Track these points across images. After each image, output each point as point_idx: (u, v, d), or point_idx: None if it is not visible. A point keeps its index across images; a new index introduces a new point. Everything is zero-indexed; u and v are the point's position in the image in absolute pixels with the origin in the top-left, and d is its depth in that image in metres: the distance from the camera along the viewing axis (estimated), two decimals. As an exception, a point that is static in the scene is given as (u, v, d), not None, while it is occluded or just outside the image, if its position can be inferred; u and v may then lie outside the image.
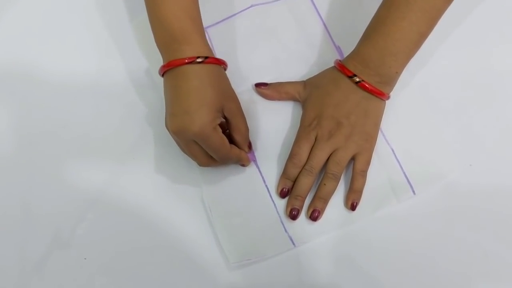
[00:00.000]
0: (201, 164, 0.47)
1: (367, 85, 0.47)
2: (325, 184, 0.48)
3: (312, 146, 0.48)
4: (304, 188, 0.48)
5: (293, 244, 0.48)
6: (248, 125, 0.49)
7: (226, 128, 0.48)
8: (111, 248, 0.49)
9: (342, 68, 0.48)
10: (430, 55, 0.53)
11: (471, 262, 0.48)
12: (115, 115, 0.51)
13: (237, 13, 0.54)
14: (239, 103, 0.48)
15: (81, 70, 0.53)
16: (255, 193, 0.49)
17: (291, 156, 0.49)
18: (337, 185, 0.48)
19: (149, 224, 0.49)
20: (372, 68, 0.47)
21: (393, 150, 0.51)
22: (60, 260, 0.48)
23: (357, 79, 0.47)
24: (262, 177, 0.50)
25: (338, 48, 0.54)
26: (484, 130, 0.51)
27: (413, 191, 0.50)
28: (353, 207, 0.48)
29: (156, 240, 0.49)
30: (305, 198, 0.48)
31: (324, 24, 0.55)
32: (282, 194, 0.49)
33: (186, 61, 0.44)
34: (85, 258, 0.48)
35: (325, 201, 0.48)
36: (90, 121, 0.51)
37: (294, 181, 0.49)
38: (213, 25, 0.55)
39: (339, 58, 0.52)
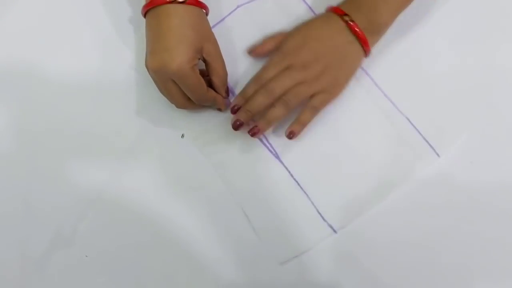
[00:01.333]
0: (177, 105, 0.48)
1: (356, 28, 0.47)
2: (275, 107, 0.47)
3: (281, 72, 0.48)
4: (256, 105, 0.47)
5: (334, 231, 0.48)
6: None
7: (206, 74, 0.48)
8: (112, 246, 0.48)
9: (334, 8, 0.49)
10: (432, 52, 0.52)
11: (473, 259, 0.47)
12: (116, 113, 0.51)
13: (226, 16, 0.54)
14: (218, 47, 0.48)
15: (82, 68, 0.52)
16: (286, 190, 0.49)
17: (256, 78, 0.48)
18: (286, 114, 0.47)
19: (150, 222, 0.49)
20: (364, 13, 0.47)
21: (408, 119, 0.50)
22: (61, 258, 0.48)
23: (348, 18, 0.48)
24: (290, 173, 0.50)
25: None
26: (486, 127, 0.50)
27: (437, 154, 0.49)
28: (291, 135, 0.48)
29: (157, 238, 0.49)
30: (253, 116, 0.47)
31: (312, 10, 0.54)
32: (233, 111, 0.48)
33: (168, 0, 0.45)
34: (86, 256, 0.48)
35: (269, 123, 0.47)
36: (91, 119, 0.51)
37: None
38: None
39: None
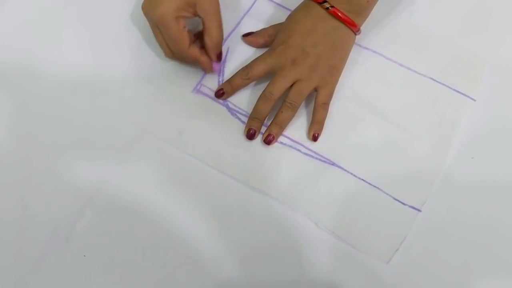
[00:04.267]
0: (165, 54, 0.49)
1: (338, 13, 0.47)
2: (282, 112, 0.48)
3: (272, 73, 0.48)
4: (262, 112, 0.48)
5: (418, 210, 0.48)
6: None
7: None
8: (110, 245, 0.47)
9: None
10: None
11: (474, 255, 0.47)
12: (113, 111, 0.51)
13: (245, 14, 0.54)
14: (217, 6, 0.48)
15: (78, 65, 0.52)
16: (356, 191, 0.48)
17: (244, 68, 0.49)
18: (294, 115, 0.49)
19: (149, 220, 0.48)
20: None
21: (431, 78, 0.52)
22: (59, 257, 0.47)
23: (327, 5, 0.47)
24: (353, 175, 0.49)
25: None
26: (487, 123, 0.51)
27: (472, 98, 0.51)
28: (314, 138, 0.49)
29: (156, 236, 0.48)
30: (263, 121, 0.49)
31: None
32: (218, 95, 0.50)
33: None
34: (84, 255, 0.47)
35: (281, 127, 0.49)
36: (87, 117, 0.51)
37: None
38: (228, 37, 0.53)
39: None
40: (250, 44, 0.52)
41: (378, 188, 0.48)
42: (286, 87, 0.48)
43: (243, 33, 0.52)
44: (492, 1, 0.55)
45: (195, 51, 0.48)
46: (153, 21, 0.47)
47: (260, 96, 0.48)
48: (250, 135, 0.48)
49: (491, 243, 0.47)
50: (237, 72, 0.49)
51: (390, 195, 0.48)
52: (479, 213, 0.48)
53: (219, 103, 0.50)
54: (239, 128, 0.50)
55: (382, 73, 0.52)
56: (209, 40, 0.48)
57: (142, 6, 0.47)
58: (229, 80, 0.49)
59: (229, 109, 0.50)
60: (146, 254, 0.47)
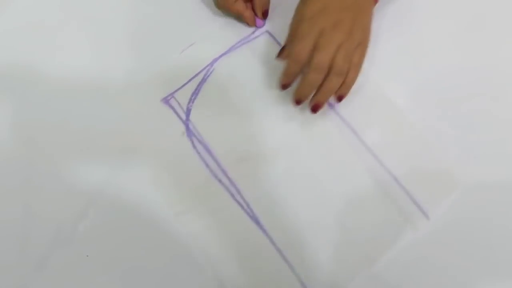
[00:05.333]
0: (215, 3, 0.54)
1: None
2: (331, 80, 0.47)
3: (316, 42, 0.46)
4: (312, 84, 0.47)
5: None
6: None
7: None
8: (113, 245, 0.48)
9: None
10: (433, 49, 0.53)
11: (475, 258, 0.47)
12: (116, 112, 0.51)
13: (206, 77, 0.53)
14: None
15: (80, 67, 0.53)
16: (267, 259, 0.48)
17: (294, 53, 0.47)
18: (341, 81, 0.47)
19: (151, 221, 0.48)
20: None
21: (395, 178, 0.48)
22: (62, 257, 0.47)
23: None
24: (269, 237, 0.48)
25: None
26: (490, 124, 0.50)
27: (427, 216, 0.47)
28: (339, 99, 0.49)
29: (158, 237, 0.48)
30: (313, 92, 0.48)
31: None
32: (283, 88, 0.49)
33: None
34: (87, 255, 0.48)
35: (328, 96, 0.48)
36: (90, 118, 0.51)
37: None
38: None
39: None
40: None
41: (291, 266, 0.47)
42: (334, 52, 0.46)
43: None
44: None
45: (239, 5, 0.52)
46: None
47: (310, 68, 0.46)
48: (297, 103, 0.49)
49: (494, 245, 0.47)
50: (288, 61, 0.48)
51: (298, 277, 0.47)
52: (481, 214, 0.48)
53: (181, 120, 0.52)
54: (187, 151, 0.50)
55: (345, 149, 0.50)
56: None
57: None
58: (285, 72, 0.48)
59: (188, 129, 0.51)
60: (149, 254, 0.47)
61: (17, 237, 0.48)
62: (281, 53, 0.50)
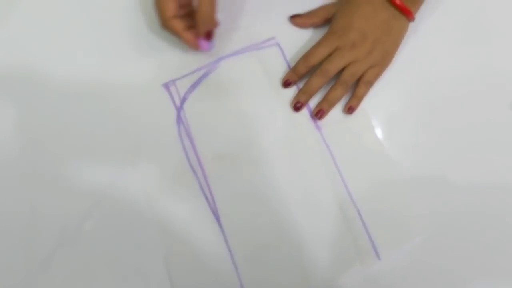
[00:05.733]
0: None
1: (397, 1, 0.51)
2: (335, 90, 0.51)
3: (331, 54, 0.51)
4: (314, 87, 0.52)
5: None
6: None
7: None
8: (117, 246, 0.49)
9: None
10: (431, 54, 0.55)
11: (471, 261, 0.48)
12: (119, 113, 0.52)
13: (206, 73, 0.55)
14: None
15: (85, 70, 0.54)
16: (217, 257, 0.49)
17: (306, 55, 0.52)
18: (345, 93, 0.52)
19: (155, 222, 0.49)
20: None
21: (359, 212, 0.49)
22: (66, 258, 0.49)
23: None
24: (225, 237, 0.50)
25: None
26: (488, 125, 0.52)
27: (378, 256, 0.48)
28: (350, 111, 0.52)
29: (161, 237, 0.49)
30: (311, 97, 0.52)
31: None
32: (285, 85, 0.53)
33: None
34: (91, 255, 0.49)
35: (332, 104, 0.52)
36: (94, 120, 0.52)
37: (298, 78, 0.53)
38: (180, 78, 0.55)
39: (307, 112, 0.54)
40: (298, 25, 0.55)
41: (238, 274, 0.49)
42: (341, 67, 0.51)
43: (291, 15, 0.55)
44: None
45: (176, 24, 0.48)
46: None
47: (316, 71, 0.51)
48: (297, 108, 0.52)
49: (491, 245, 0.49)
50: (299, 60, 0.52)
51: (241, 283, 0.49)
52: (478, 216, 0.49)
53: (175, 106, 0.54)
54: (173, 137, 0.52)
55: (319, 170, 0.52)
56: (199, 15, 0.47)
57: None
58: (292, 69, 0.53)
59: (178, 116, 0.53)
60: (152, 255, 0.49)
61: (22, 237, 0.49)
62: (295, 17, 0.54)
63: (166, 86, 0.54)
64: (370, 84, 0.52)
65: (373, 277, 0.48)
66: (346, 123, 0.53)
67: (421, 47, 0.55)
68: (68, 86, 0.53)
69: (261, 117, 0.53)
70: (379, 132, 0.53)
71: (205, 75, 0.54)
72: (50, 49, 0.54)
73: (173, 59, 0.54)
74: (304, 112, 0.53)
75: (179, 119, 0.53)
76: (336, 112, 0.53)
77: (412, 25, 0.54)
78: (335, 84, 0.52)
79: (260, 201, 0.51)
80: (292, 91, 0.54)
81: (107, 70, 0.53)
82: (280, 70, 0.55)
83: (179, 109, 0.53)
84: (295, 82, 0.53)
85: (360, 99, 0.52)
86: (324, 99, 0.52)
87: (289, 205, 0.51)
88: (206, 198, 0.51)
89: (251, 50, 0.55)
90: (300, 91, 0.52)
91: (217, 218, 0.50)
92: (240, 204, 0.51)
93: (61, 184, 0.50)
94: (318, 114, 0.52)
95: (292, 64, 0.54)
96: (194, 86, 0.54)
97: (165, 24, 0.49)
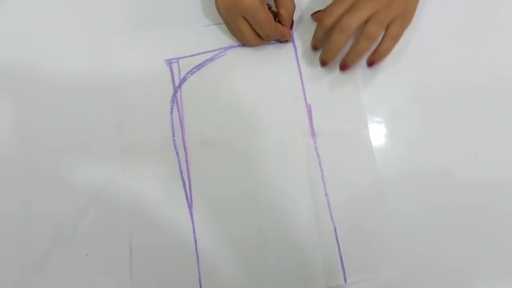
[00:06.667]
0: (249, 43, 0.51)
1: None
2: (359, 42, 0.48)
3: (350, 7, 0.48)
4: (335, 45, 0.49)
5: None
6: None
7: (270, 7, 0.51)
8: (113, 245, 0.48)
9: None
10: (434, 49, 0.53)
11: (476, 255, 0.47)
12: (115, 112, 0.52)
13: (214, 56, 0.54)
14: None
15: (81, 67, 0.53)
16: (182, 244, 0.48)
17: (321, 16, 0.50)
18: (370, 46, 0.48)
19: (151, 221, 0.49)
20: None
21: (335, 229, 0.47)
22: (61, 257, 0.48)
23: None
24: (193, 227, 0.49)
25: (308, 106, 0.52)
26: (490, 122, 0.50)
27: (345, 279, 0.45)
28: (370, 65, 0.50)
29: (158, 237, 0.48)
30: (336, 55, 0.50)
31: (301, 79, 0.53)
32: (314, 49, 0.52)
33: None
34: (86, 255, 0.48)
35: (357, 56, 0.49)
36: (90, 118, 0.51)
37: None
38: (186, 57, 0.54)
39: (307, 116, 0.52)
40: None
41: (198, 265, 0.48)
42: (363, 20, 0.47)
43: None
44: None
45: (279, 26, 0.51)
46: (238, 13, 0.48)
47: (335, 28, 0.48)
48: (323, 64, 0.51)
49: (493, 244, 0.48)
50: (334, 32, 0.48)
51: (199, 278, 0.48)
52: (481, 213, 0.48)
53: (173, 85, 0.52)
54: (165, 114, 0.51)
55: (302, 177, 0.50)
56: (285, 12, 0.50)
57: (218, 5, 0.49)
58: (313, 36, 0.51)
59: (174, 95, 0.53)
60: (148, 254, 0.48)
61: (17, 236, 0.49)
62: (315, 14, 0.53)
63: (169, 62, 0.53)
64: (396, 36, 0.49)
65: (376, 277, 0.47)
66: (344, 136, 0.51)
67: (425, 42, 0.53)
68: (64, 84, 0.52)
69: (257, 112, 0.52)
70: (382, 129, 0.51)
71: (210, 60, 0.53)
72: (48, 46, 0.54)
73: (181, 38, 0.54)
74: (304, 116, 0.52)
75: (174, 98, 0.52)
76: (335, 122, 0.51)
77: (415, 19, 0.51)
78: (359, 36, 0.48)
79: (236, 196, 0.49)
80: (299, 89, 0.52)
81: (105, 67, 0.53)
82: (288, 67, 0.53)
83: (176, 88, 0.52)
84: (320, 47, 0.51)
85: (383, 54, 0.49)
86: (349, 52, 0.50)
87: (264, 205, 0.49)
88: (183, 182, 0.49)
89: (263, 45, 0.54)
90: (323, 52, 0.51)
91: (190, 205, 0.49)
92: (216, 195, 0.49)
93: (57, 183, 0.50)
94: (342, 66, 0.50)
95: (302, 62, 0.53)
96: (197, 68, 0.53)
97: (274, 34, 0.51)
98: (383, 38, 0.49)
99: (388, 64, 0.52)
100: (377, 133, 0.51)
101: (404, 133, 0.51)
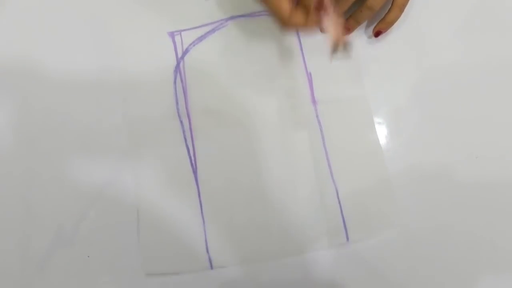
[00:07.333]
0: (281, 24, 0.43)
1: None
2: (361, 11, 0.49)
3: None
4: (362, 19, 0.51)
5: (211, 266, 0.48)
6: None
7: None
8: (114, 246, 0.48)
9: None
10: (435, 46, 0.53)
11: (478, 254, 0.47)
12: (117, 111, 0.51)
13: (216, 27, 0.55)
14: None
15: (82, 66, 0.53)
16: (187, 207, 0.49)
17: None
18: (372, 15, 0.50)
19: (152, 221, 0.49)
20: None
21: (337, 190, 0.48)
22: (63, 258, 0.48)
23: None
24: (198, 191, 0.50)
25: (309, 75, 0.53)
26: (491, 122, 0.50)
27: (347, 237, 0.47)
28: (377, 35, 0.51)
29: (159, 237, 0.49)
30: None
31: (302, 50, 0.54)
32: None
33: None
34: (88, 256, 0.48)
35: (358, 23, 0.51)
36: (91, 118, 0.51)
37: None
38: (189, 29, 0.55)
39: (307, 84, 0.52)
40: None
41: (204, 222, 0.49)
42: None
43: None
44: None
45: (297, 18, 0.42)
46: None
47: (363, 7, 0.49)
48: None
49: (495, 244, 0.48)
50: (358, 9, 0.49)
51: (205, 234, 0.49)
52: (483, 213, 0.48)
53: (176, 56, 0.54)
54: (168, 84, 0.52)
55: (304, 145, 0.51)
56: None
57: None
58: (354, 18, 0.50)
59: (177, 65, 0.53)
60: (150, 254, 0.48)
61: (18, 238, 0.49)
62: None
63: (171, 34, 0.54)
64: (403, 7, 0.50)
65: (377, 276, 0.47)
66: (344, 103, 0.52)
67: (425, 39, 0.53)
68: (64, 84, 0.52)
69: (259, 81, 0.53)
70: (383, 128, 0.51)
71: (212, 31, 0.54)
72: (48, 46, 0.53)
73: (183, 11, 0.54)
74: (305, 84, 0.52)
75: (177, 69, 0.53)
76: (335, 89, 0.52)
77: (416, 18, 0.52)
78: (361, 5, 0.49)
79: (240, 162, 0.50)
80: (299, 58, 0.53)
81: (105, 67, 0.53)
82: (289, 37, 0.54)
83: (179, 59, 0.53)
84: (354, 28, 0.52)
85: (391, 24, 0.50)
86: (350, 17, 0.51)
87: (267, 169, 0.50)
88: (188, 149, 0.51)
89: (264, 15, 0.55)
90: (352, 21, 0.51)
91: (195, 171, 0.50)
92: (220, 161, 0.50)
93: (57, 184, 0.50)
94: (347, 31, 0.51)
95: (302, 35, 0.54)
96: (199, 39, 0.54)
97: (287, 25, 0.42)
98: (391, 8, 0.50)
99: (389, 63, 0.52)
100: (378, 133, 0.51)
101: (405, 132, 0.51)
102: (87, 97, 0.52)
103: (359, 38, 0.53)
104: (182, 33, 0.54)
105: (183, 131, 0.51)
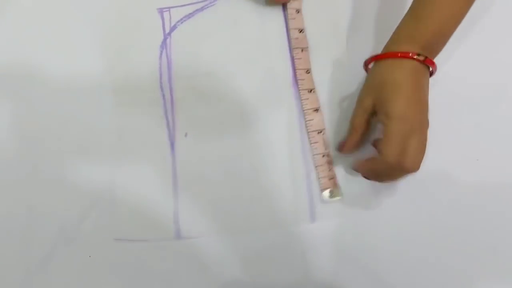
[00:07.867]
0: None
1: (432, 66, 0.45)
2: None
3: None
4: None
5: (179, 237, 0.49)
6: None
7: None
8: (116, 246, 0.49)
9: (402, 53, 0.44)
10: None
11: (479, 257, 0.47)
12: (117, 113, 0.52)
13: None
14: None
15: (83, 68, 0.53)
16: (160, 177, 0.51)
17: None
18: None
19: (153, 221, 0.49)
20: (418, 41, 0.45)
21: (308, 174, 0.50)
22: (64, 258, 0.48)
23: (422, 58, 0.44)
24: (174, 162, 0.51)
25: (292, 57, 0.54)
26: (492, 125, 0.50)
27: (312, 219, 0.49)
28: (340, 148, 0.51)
29: (161, 237, 0.49)
30: None
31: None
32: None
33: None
34: (89, 256, 0.48)
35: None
36: (92, 119, 0.52)
37: None
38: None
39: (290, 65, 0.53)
40: (347, 152, 0.50)
41: (175, 191, 0.50)
42: None
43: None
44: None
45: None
46: None
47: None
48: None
49: (495, 246, 0.48)
50: None
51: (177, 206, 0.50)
52: (483, 216, 0.48)
53: (164, 32, 0.55)
54: (153, 59, 0.53)
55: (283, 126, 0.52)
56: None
57: None
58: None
59: (164, 41, 0.55)
60: (151, 254, 0.48)
61: (20, 237, 0.49)
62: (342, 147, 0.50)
63: (160, 11, 0.55)
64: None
65: (378, 276, 0.47)
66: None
67: None
68: (66, 85, 0.53)
69: (243, 60, 0.54)
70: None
71: (200, 9, 0.55)
72: (50, 48, 0.54)
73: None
74: (286, 67, 0.53)
75: (164, 44, 0.54)
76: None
77: None
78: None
79: (218, 137, 0.51)
80: (285, 39, 0.54)
81: (107, 69, 0.54)
82: (276, 17, 0.54)
83: (166, 35, 0.55)
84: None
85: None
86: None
87: (245, 145, 0.51)
88: (167, 120, 0.52)
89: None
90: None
91: (172, 143, 0.52)
92: (199, 135, 0.52)
93: (59, 184, 0.50)
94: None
95: (289, 14, 0.54)
96: (187, 17, 0.55)
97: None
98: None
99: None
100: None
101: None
102: (88, 99, 0.52)
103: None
104: (171, 10, 0.56)
105: (164, 104, 0.53)
